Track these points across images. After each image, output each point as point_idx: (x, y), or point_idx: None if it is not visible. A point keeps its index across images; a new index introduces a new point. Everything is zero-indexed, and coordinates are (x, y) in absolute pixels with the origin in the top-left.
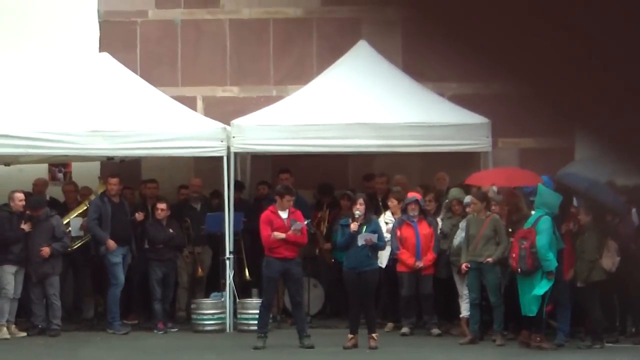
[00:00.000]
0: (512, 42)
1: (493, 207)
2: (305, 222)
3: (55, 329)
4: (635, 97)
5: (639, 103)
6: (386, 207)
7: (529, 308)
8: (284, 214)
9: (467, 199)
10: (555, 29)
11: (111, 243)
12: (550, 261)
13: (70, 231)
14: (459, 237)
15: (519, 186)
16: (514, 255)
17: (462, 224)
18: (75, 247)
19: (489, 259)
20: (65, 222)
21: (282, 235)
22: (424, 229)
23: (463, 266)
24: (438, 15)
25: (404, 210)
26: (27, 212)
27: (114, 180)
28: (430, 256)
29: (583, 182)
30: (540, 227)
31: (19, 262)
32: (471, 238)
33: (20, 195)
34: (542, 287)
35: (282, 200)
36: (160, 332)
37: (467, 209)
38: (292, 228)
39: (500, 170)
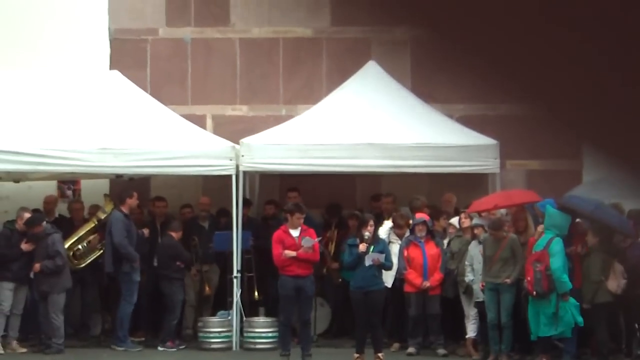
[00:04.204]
0: (521, 61)
1: (506, 228)
2: (317, 240)
3: (54, 347)
4: None
5: None
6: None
7: (545, 329)
8: (295, 232)
9: (476, 220)
10: (566, 48)
11: (138, 261)
12: (565, 282)
13: (79, 249)
14: (470, 261)
15: (526, 205)
16: (529, 278)
17: (472, 246)
18: (85, 264)
19: (507, 280)
20: (73, 240)
21: (293, 254)
22: (431, 249)
23: (480, 286)
24: (448, 35)
25: (412, 231)
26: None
27: (136, 194)
28: (437, 276)
29: (589, 205)
30: (553, 249)
31: (18, 279)
32: (487, 259)
33: (27, 215)
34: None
35: (292, 218)
36: (172, 350)
37: (475, 231)
38: (303, 245)
39: (497, 193)
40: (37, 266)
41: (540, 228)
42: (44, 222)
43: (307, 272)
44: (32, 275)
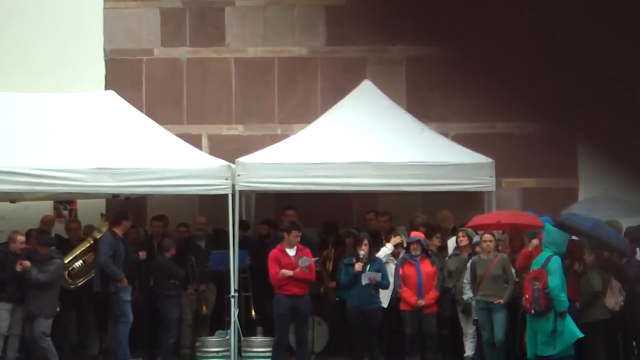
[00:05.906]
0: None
1: (500, 247)
2: (314, 259)
3: None
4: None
5: None
6: None
7: (543, 348)
8: (291, 251)
9: (477, 238)
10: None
11: (125, 281)
12: (563, 301)
13: (74, 268)
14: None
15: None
16: (527, 296)
17: (468, 265)
18: (79, 284)
19: (500, 300)
20: (69, 258)
21: (290, 273)
22: (426, 267)
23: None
24: (454, 53)
25: (407, 249)
26: (34, 246)
27: (130, 216)
28: (432, 294)
29: (586, 222)
30: (551, 267)
31: (15, 301)
32: (479, 278)
33: (22, 238)
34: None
35: (289, 236)
36: None
37: (477, 248)
38: (300, 265)
39: (500, 212)
40: (26, 263)
41: (535, 242)
42: (53, 247)
43: (303, 292)
44: (17, 268)
